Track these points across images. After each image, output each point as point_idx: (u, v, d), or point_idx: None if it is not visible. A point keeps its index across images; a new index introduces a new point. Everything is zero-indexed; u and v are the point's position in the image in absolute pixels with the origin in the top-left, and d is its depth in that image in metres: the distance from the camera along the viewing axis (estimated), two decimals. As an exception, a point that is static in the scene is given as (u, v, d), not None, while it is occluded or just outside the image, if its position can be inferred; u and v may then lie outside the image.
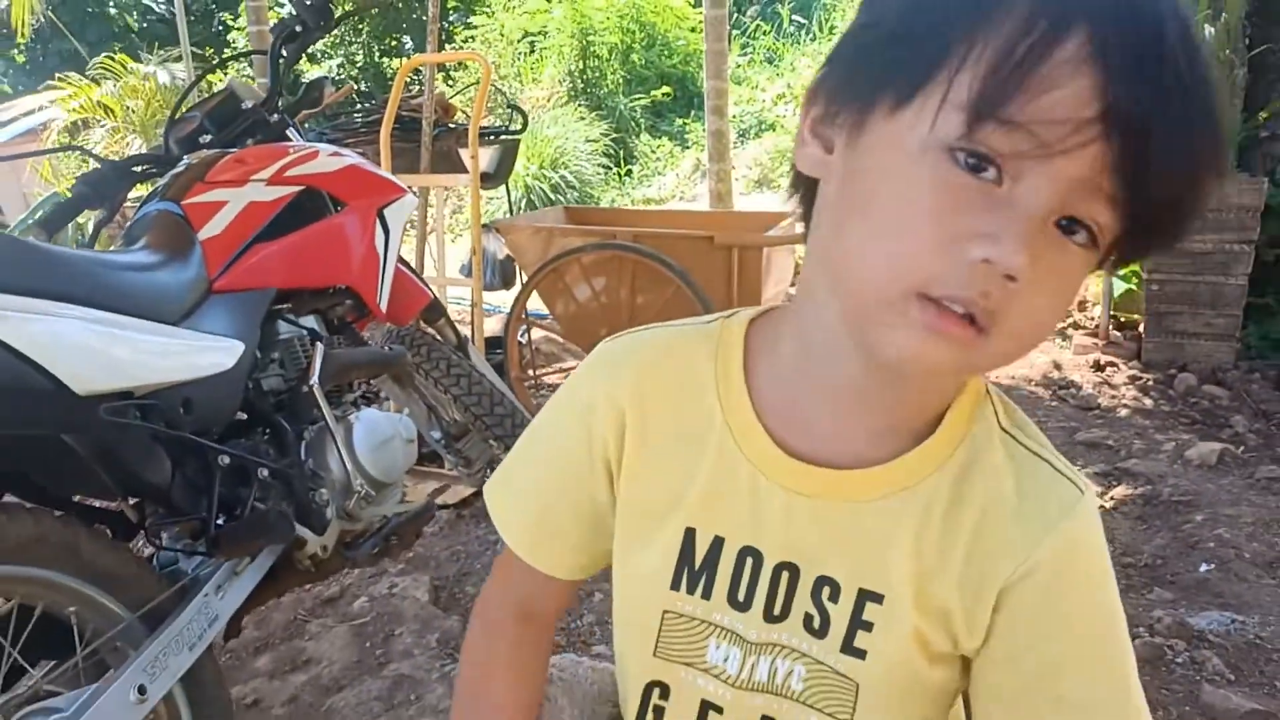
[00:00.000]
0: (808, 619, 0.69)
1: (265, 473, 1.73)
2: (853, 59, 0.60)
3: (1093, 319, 4.63)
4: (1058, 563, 0.65)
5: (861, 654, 0.68)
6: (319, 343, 1.99)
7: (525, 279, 3.83)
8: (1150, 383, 4.02)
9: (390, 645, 2.40)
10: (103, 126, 6.48)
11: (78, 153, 2.78)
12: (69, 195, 2.05)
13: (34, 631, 1.48)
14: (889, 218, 0.56)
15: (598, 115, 10.36)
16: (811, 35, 12.27)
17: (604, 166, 9.88)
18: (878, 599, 0.67)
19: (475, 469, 2.64)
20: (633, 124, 10.75)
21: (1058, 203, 0.54)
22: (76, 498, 1.76)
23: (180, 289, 1.74)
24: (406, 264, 2.46)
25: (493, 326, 4.35)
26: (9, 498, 1.59)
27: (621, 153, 10.29)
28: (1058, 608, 0.65)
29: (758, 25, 12.57)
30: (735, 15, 12.79)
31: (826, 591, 0.69)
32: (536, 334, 4.15)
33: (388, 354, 2.29)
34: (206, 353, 1.67)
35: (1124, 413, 3.81)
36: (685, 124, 10.77)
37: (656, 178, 10.01)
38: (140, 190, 2.27)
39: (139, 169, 2.13)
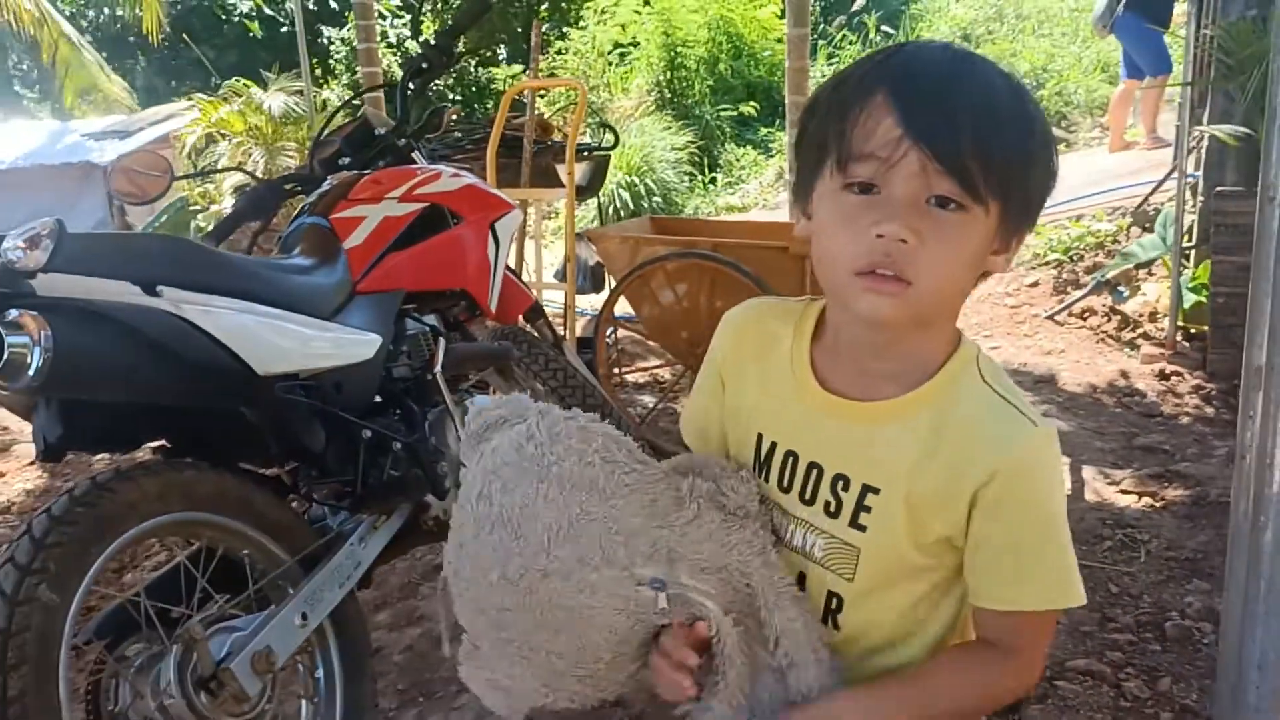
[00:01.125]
0: (826, 505, 1.00)
1: (398, 446, 2.05)
2: (798, 162, 0.98)
3: (1161, 329, 4.75)
4: (1013, 472, 0.93)
5: (863, 528, 0.98)
6: (440, 338, 2.32)
7: (614, 284, 4.13)
8: (1213, 392, 4.13)
9: (491, 606, 2.71)
10: (228, 140, 7.06)
11: (241, 173, 3.16)
12: (233, 209, 2.42)
13: (216, 568, 1.83)
14: (830, 233, 0.92)
15: (684, 124, 10.63)
16: (898, 45, 12.37)
17: (688, 174, 10.16)
18: (876, 491, 0.97)
19: (567, 454, 2.92)
20: (718, 133, 11.00)
21: (917, 190, 0.86)
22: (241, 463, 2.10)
23: (331, 290, 2.08)
24: (512, 270, 2.78)
25: (581, 327, 4.67)
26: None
27: (706, 161, 10.55)
28: (1014, 502, 0.93)
29: (844, 36, 12.71)
30: (821, 26, 12.94)
31: (840, 485, 0.98)
32: (621, 334, 4.45)
33: (497, 349, 2.60)
34: (353, 344, 2.00)
35: (1185, 420, 3.94)
36: (770, 133, 10.98)
37: (740, 185, 10.25)
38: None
39: (289, 187, 2.50)
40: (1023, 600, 0.95)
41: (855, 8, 12.46)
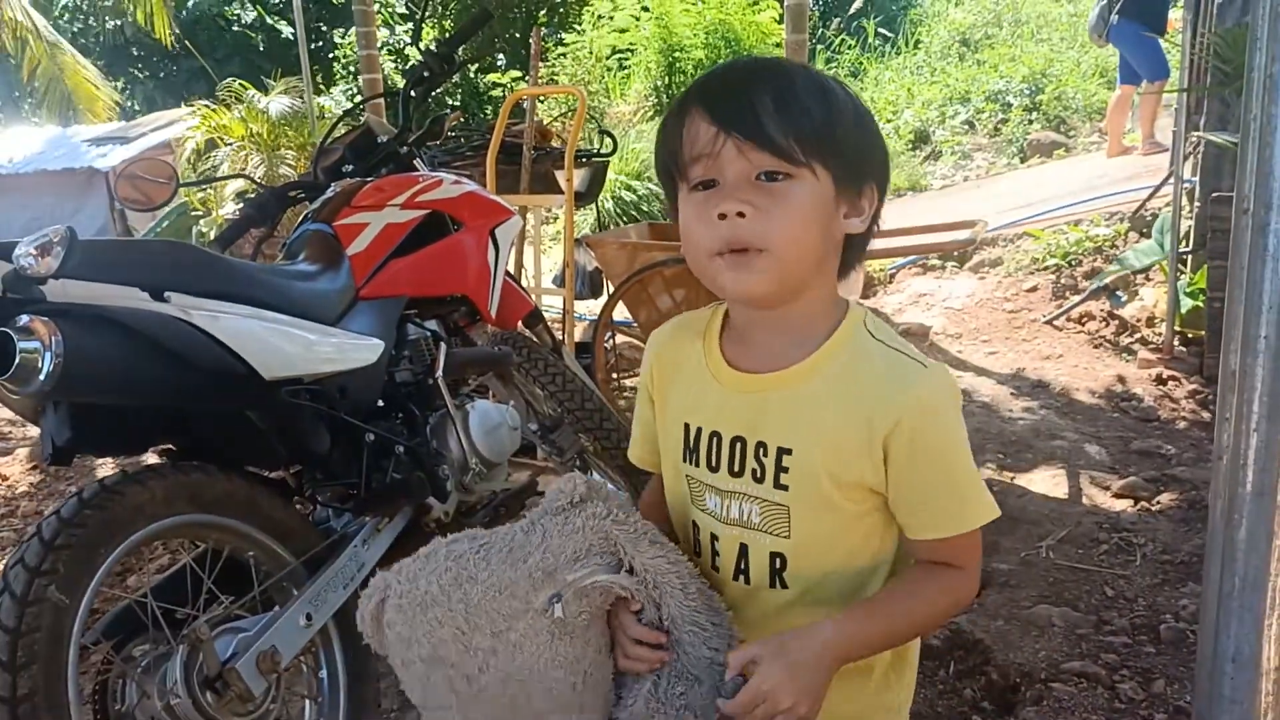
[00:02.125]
0: (753, 472, 1.08)
1: (401, 449, 2.08)
2: (664, 191, 1.11)
3: (1159, 334, 4.78)
4: (916, 415, 1.02)
5: (785, 487, 1.07)
6: (442, 343, 2.34)
7: (612, 289, 4.16)
8: (1210, 397, 4.15)
9: (492, 609, 2.73)
10: (229, 146, 7.09)
11: (244, 180, 3.19)
12: (238, 215, 2.45)
13: (222, 569, 1.85)
14: (689, 231, 1.04)
15: (682, 130, 10.65)
16: (896, 49, 12.43)
17: (687, 180, 10.18)
18: (789, 451, 1.06)
19: (566, 458, 2.95)
20: (716, 138, 11.02)
21: (743, 170, 0.99)
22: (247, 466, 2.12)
23: (335, 296, 2.11)
24: (511, 276, 2.80)
25: (580, 333, 4.70)
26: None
27: (704, 166, 10.58)
28: (924, 442, 1.03)
29: (842, 39, 12.77)
30: (820, 30, 13.00)
31: (761, 451, 1.07)
32: (619, 339, 4.48)
33: (497, 354, 2.63)
34: (357, 349, 2.03)
35: (1182, 425, 3.97)
36: (768, 138, 10.99)
37: (738, 190, 10.26)
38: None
39: (293, 194, 2.52)
40: (952, 526, 1.05)
41: (853, 10, 12.50)
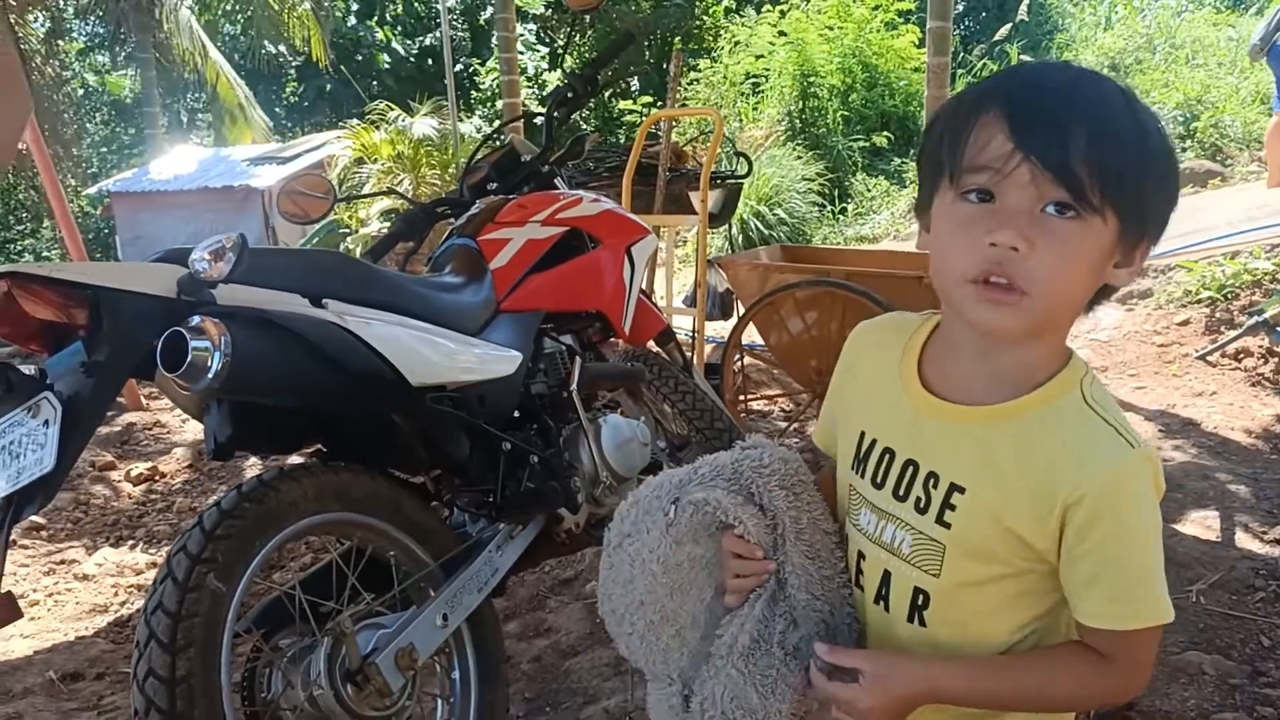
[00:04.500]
0: (917, 500, 1.03)
1: (535, 459, 2.12)
2: (919, 179, 1.02)
3: (1325, 373, 4.48)
4: (1104, 494, 0.94)
5: (948, 525, 1.01)
6: (576, 357, 2.39)
7: (743, 311, 4.15)
8: (1382, 441, 3.88)
9: (617, 623, 2.76)
10: (375, 164, 7.40)
11: (395, 196, 3.33)
12: (389, 230, 2.55)
13: (364, 567, 1.92)
14: (946, 242, 0.96)
15: (815, 154, 10.59)
16: (1039, 74, 12.04)
17: (818, 204, 10.10)
18: (962, 490, 1.00)
19: (694, 477, 2.95)
20: (849, 163, 10.92)
21: (1030, 199, 0.90)
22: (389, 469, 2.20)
23: (477, 308, 2.18)
24: (646, 294, 2.83)
25: (708, 354, 4.70)
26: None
27: (836, 191, 10.48)
28: (1105, 525, 0.95)
29: (984, 64, 12.47)
30: (961, 55, 12.73)
31: (931, 482, 1.02)
32: (746, 361, 4.46)
33: (630, 369, 2.66)
34: (497, 360, 2.09)
35: (1350, 469, 3.71)
36: (903, 163, 10.82)
37: (871, 216, 10.14)
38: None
39: (440, 210, 2.62)
40: (1114, 620, 0.97)
41: (997, 36, 12.22)
